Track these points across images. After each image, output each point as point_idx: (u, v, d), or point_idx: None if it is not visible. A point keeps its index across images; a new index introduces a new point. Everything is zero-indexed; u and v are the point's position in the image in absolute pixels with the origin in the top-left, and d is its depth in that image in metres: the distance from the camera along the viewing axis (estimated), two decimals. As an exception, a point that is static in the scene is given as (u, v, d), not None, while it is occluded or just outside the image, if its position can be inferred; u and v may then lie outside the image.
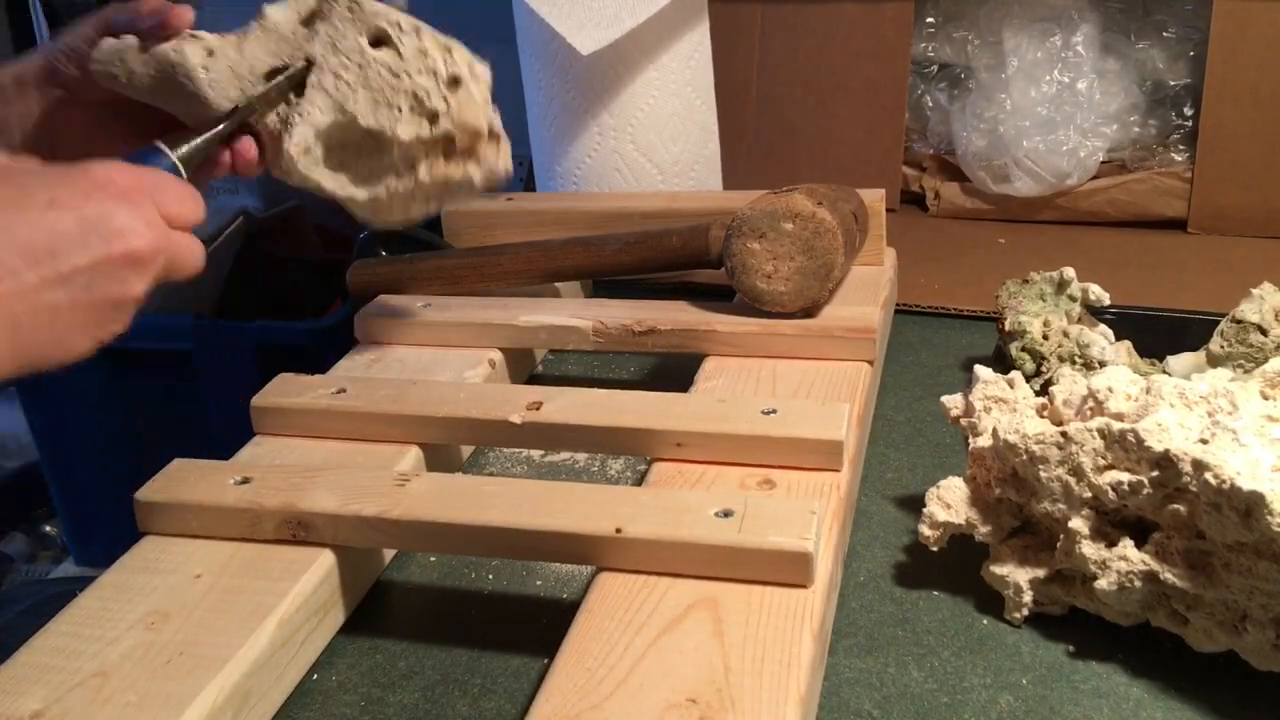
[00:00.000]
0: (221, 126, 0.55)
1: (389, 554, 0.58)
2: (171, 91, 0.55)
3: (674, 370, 0.72)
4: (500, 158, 0.60)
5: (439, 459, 0.62)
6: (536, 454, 0.68)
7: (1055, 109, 1.00)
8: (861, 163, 1.07)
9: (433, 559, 0.58)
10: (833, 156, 1.08)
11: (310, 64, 0.56)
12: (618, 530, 0.47)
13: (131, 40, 0.55)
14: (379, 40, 0.57)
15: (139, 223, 0.44)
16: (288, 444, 0.61)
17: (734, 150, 1.02)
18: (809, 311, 0.67)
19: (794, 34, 1.08)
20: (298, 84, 0.56)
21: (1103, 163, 1.00)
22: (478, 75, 0.59)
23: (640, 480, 0.57)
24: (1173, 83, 1.01)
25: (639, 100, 0.87)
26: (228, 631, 0.46)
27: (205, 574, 0.50)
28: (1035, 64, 1.01)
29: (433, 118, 0.57)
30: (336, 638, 0.52)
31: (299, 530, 0.52)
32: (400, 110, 0.56)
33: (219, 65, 0.55)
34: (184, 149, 0.52)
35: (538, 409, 0.59)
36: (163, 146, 0.52)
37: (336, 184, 0.59)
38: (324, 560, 0.51)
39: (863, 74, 1.06)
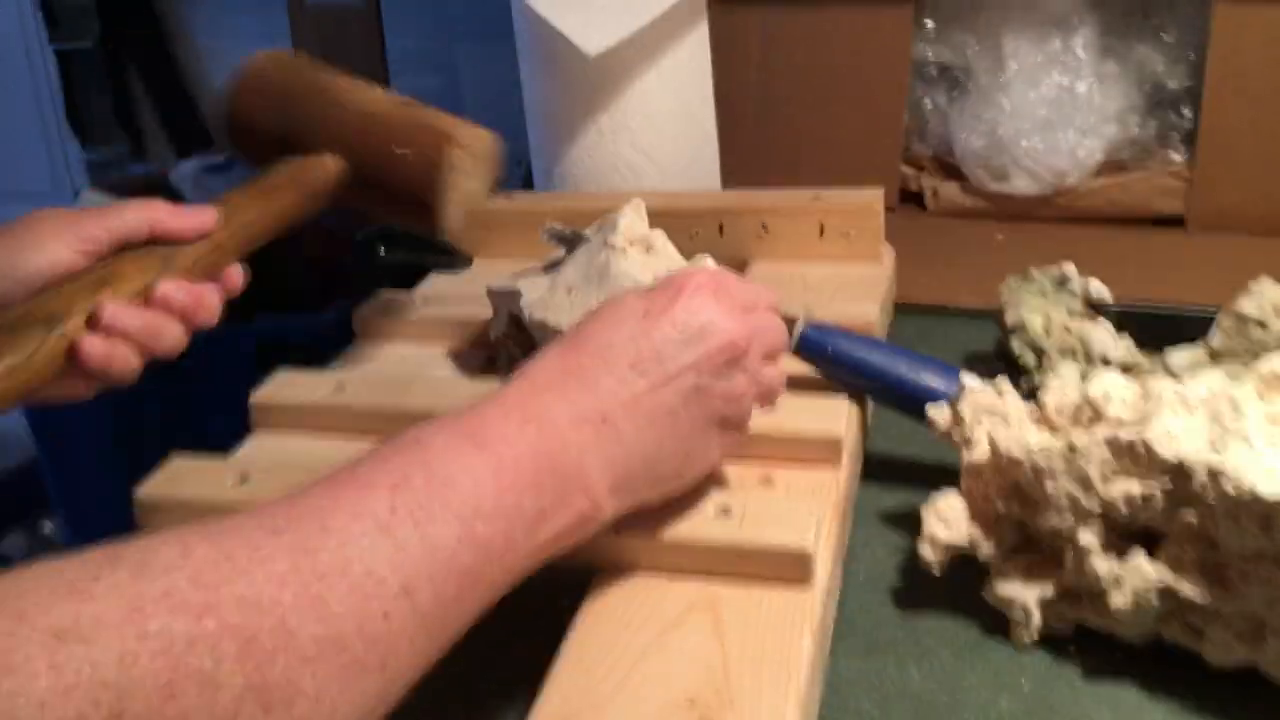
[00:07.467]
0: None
1: (388, 553, 0.58)
2: None
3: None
4: None
5: (438, 458, 0.62)
6: (536, 453, 0.68)
7: (1054, 111, 0.99)
8: (860, 163, 1.06)
9: (432, 558, 0.58)
10: (831, 157, 1.08)
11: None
12: (617, 530, 0.47)
13: None
14: None
15: (722, 316, 0.47)
16: (287, 441, 0.61)
17: (734, 150, 1.01)
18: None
19: (794, 36, 1.08)
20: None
21: (1102, 162, 1.00)
22: None
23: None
24: (1171, 85, 1.00)
25: (638, 101, 0.87)
26: (227, 630, 0.46)
27: (204, 573, 0.50)
28: (1034, 67, 1.01)
29: None
30: (336, 637, 0.52)
31: (298, 529, 0.51)
32: None
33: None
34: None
35: (537, 408, 0.59)
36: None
37: None
38: (323, 559, 0.51)
39: (862, 76, 1.06)
